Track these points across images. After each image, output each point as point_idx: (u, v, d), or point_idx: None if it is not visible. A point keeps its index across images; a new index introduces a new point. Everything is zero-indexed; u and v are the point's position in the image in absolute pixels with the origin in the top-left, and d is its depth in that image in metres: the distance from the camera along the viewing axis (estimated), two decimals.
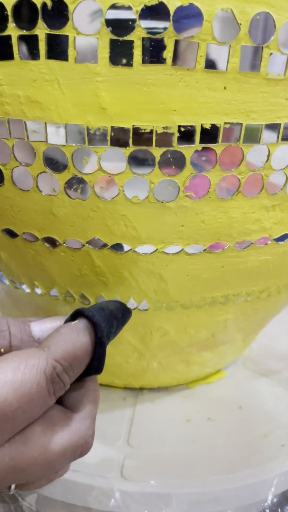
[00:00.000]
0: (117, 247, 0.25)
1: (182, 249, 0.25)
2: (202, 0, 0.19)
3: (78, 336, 0.21)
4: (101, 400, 0.34)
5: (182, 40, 0.19)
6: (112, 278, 0.26)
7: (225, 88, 0.20)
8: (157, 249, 0.25)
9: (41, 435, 0.19)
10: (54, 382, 0.19)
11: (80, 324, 0.21)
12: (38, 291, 0.28)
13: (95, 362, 0.21)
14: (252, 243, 0.26)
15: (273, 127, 0.22)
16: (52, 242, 0.25)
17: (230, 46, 0.20)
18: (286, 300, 0.33)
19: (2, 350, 0.20)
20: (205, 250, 0.25)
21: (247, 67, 0.20)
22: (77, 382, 0.21)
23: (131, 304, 0.27)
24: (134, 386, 0.36)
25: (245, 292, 0.28)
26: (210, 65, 0.20)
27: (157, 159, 0.22)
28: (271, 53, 0.20)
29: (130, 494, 0.27)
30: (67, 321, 0.22)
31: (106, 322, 0.22)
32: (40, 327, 0.22)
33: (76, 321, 0.22)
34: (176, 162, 0.22)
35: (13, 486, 0.20)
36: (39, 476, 0.20)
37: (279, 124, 0.22)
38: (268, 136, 0.22)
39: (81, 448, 0.21)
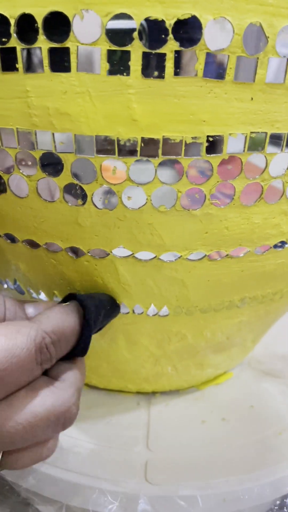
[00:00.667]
0: (142, 255, 0.25)
1: (205, 255, 0.25)
2: (233, 14, 0.19)
3: (68, 315, 0.23)
4: (115, 405, 0.34)
5: (212, 53, 0.20)
6: (134, 286, 0.26)
7: (252, 99, 0.21)
8: (181, 256, 0.25)
9: (24, 398, 0.20)
10: (42, 352, 0.21)
11: (71, 305, 0.23)
12: (57, 299, 0.28)
13: (81, 343, 0.23)
14: (271, 247, 0.26)
15: None
16: (75, 251, 0.25)
17: (258, 58, 0.20)
18: None
19: None
20: (227, 255, 0.25)
21: (273, 78, 0.21)
22: (62, 360, 0.23)
23: (151, 310, 0.28)
24: (147, 390, 0.36)
25: (261, 294, 0.29)
26: (239, 76, 0.20)
27: (185, 168, 0.22)
28: None
29: (156, 498, 0.28)
30: (59, 303, 0.24)
31: (94, 308, 0.24)
32: (34, 308, 0.24)
33: (68, 303, 0.24)
34: (203, 171, 0.22)
35: None
36: (23, 441, 0.20)
37: None
38: None
39: (64, 416, 0.21)
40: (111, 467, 0.30)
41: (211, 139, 0.22)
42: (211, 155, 0.22)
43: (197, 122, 0.21)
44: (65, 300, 0.25)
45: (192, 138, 0.21)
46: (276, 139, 0.23)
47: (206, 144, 0.22)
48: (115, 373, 0.34)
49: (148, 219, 0.23)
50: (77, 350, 0.23)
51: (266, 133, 0.22)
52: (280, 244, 0.27)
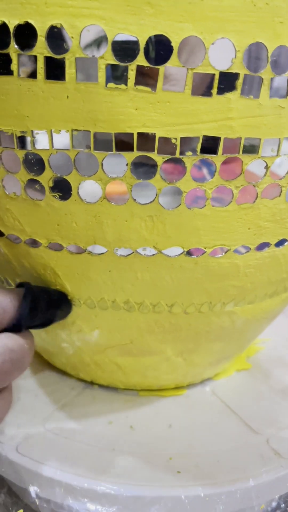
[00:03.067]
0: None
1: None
2: (36, 18, 0.21)
3: (5, 293, 0.25)
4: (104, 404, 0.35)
5: (23, 54, 0.22)
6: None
7: (68, 97, 0.22)
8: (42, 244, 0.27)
9: None
10: None
11: (12, 288, 0.26)
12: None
13: (17, 321, 0.25)
14: (133, 252, 0.26)
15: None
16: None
17: (64, 58, 0.21)
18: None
19: None
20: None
21: (84, 78, 0.22)
22: None
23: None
24: (133, 388, 0.37)
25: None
26: (50, 75, 0.22)
27: (21, 159, 0.24)
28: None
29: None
30: None
31: (36, 292, 0.26)
32: None
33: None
34: (36, 163, 0.24)
35: None
36: None
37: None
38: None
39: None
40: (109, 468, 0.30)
41: (36, 134, 0.23)
42: (40, 149, 0.23)
43: (21, 118, 0.23)
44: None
45: (21, 132, 0.23)
46: (101, 138, 0.23)
47: (32, 138, 0.23)
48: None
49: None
50: (12, 325, 0.25)
51: (89, 131, 0.22)
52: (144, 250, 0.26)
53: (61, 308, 0.29)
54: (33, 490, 0.29)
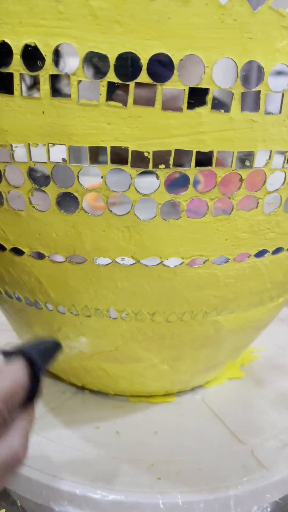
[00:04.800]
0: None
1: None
2: (11, 37, 0.22)
3: (16, 373, 0.23)
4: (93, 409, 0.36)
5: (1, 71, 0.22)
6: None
7: (43, 112, 0.23)
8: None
9: None
10: None
11: (18, 362, 0.23)
12: None
13: (34, 393, 0.24)
14: (113, 261, 0.26)
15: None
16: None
17: (39, 75, 0.22)
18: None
19: None
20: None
21: (59, 94, 0.22)
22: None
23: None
24: (123, 394, 0.38)
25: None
26: (24, 92, 0.22)
27: (2, 172, 0.25)
28: None
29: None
30: (6, 354, 0.24)
31: (41, 357, 0.25)
32: None
33: (14, 359, 0.24)
34: (18, 176, 0.25)
35: None
36: None
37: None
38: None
39: (12, 462, 0.22)
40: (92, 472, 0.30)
41: (15, 147, 0.24)
42: (20, 161, 0.24)
43: (1, 132, 0.24)
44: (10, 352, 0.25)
45: (1, 145, 0.24)
46: (76, 153, 0.23)
47: (12, 151, 0.24)
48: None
49: None
50: (29, 399, 0.24)
51: (64, 145, 0.23)
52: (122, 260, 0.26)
53: (55, 353, 0.27)
54: (15, 490, 0.30)
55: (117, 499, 0.28)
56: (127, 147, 0.23)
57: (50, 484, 0.29)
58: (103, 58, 0.21)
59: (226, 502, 0.29)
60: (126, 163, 0.23)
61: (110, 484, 0.29)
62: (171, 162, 0.23)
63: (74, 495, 0.29)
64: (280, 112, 0.23)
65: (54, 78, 0.22)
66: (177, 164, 0.23)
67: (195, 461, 0.31)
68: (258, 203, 0.26)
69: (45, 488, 0.29)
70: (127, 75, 0.21)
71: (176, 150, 0.23)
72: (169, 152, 0.23)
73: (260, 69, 0.22)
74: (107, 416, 0.36)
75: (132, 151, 0.23)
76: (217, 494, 0.29)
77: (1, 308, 0.35)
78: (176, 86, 0.22)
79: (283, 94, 0.23)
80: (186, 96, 0.22)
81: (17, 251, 0.28)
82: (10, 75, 0.22)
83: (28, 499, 0.30)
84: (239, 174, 0.24)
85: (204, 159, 0.24)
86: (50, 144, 0.23)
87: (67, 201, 0.25)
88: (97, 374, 0.35)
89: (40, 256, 0.27)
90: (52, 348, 0.27)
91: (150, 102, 0.22)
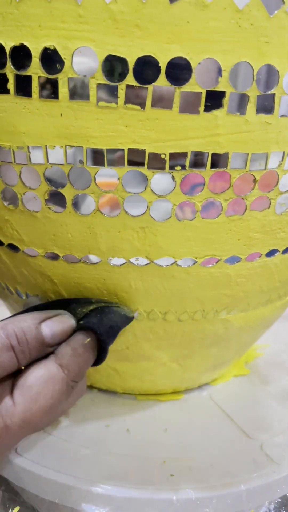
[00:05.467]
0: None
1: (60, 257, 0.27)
2: (30, 40, 0.22)
3: (89, 355, 0.26)
4: (103, 407, 0.37)
5: (18, 74, 0.23)
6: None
7: (61, 115, 0.23)
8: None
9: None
10: (69, 393, 0.26)
11: (91, 342, 0.26)
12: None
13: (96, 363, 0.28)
14: (127, 262, 0.27)
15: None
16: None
17: (58, 78, 0.22)
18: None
19: (23, 367, 0.25)
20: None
21: (77, 96, 0.23)
22: None
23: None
24: (131, 392, 0.38)
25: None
26: (44, 94, 0.23)
27: (18, 173, 0.25)
28: None
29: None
30: (78, 327, 0.27)
31: (110, 339, 0.27)
32: (51, 333, 0.25)
33: (89, 339, 0.26)
34: (33, 176, 0.25)
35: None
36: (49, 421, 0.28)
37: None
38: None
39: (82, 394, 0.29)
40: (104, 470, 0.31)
41: (32, 149, 0.24)
42: (36, 163, 0.24)
43: (18, 134, 0.24)
44: (81, 327, 0.27)
45: (18, 147, 0.24)
46: (93, 154, 0.24)
47: (29, 153, 0.24)
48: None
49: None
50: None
51: (82, 147, 0.23)
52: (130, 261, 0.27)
53: (124, 327, 0.29)
54: (28, 489, 0.30)
55: (132, 495, 0.29)
56: (144, 149, 0.23)
57: (64, 482, 0.29)
58: (122, 61, 0.22)
59: (238, 497, 0.29)
60: (143, 164, 0.24)
61: (124, 481, 0.29)
62: (187, 163, 0.24)
63: (89, 492, 0.29)
64: None
65: (73, 81, 0.22)
66: (193, 165, 0.24)
67: (206, 457, 0.32)
68: (270, 203, 0.26)
69: (58, 486, 0.29)
70: (146, 78, 0.22)
71: (192, 152, 0.23)
72: (185, 153, 0.23)
73: (276, 73, 0.23)
74: (116, 414, 0.36)
75: (149, 153, 0.23)
76: (229, 490, 0.29)
77: (11, 309, 0.36)
78: (194, 89, 0.22)
79: None
80: (203, 99, 0.22)
81: (32, 252, 0.28)
82: (29, 78, 0.22)
83: (42, 498, 0.30)
84: (252, 175, 0.25)
85: (219, 160, 0.24)
86: (67, 146, 0.24)
87: (84, 203, 0.25)
88: (107, 372, 0.35)
89: (54, 256, 0.27)
90: (122, 324, 0.29)
91: (167, 105, 0.22)
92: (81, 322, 0.27)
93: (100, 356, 0.27)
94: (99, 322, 0.27)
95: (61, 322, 0.26)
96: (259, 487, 0.30)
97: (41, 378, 0.25)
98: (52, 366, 0.25)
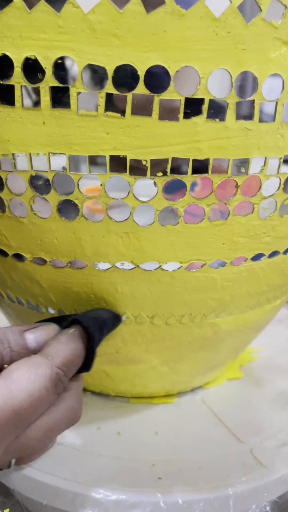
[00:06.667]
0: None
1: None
2: (12, 50, 0.22)
3: (75, 344, 0.25)
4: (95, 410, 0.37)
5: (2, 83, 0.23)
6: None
7: (44, 123, 0.23)
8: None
9: (39, 420, 0.24)
10: (57, 385, 0.24)
11: (76, 332, 0.26)
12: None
13: (86, 364, 0.26)
14: (111, 266, 0.27)
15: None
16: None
17: (39, 87, 0.23)
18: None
19: (5, 366, 0.24)
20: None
21: (59, 105, 0.23)
22: None
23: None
24: (124, 395, 0.39)
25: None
26: (25, 103, 0.23)
27: (4, 180, 0.26)
28: None
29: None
30: (64, 326, 0.26)
31: (98, 329, 0.27)
32: (35, 339, 0.26)
33: (73, 329, 0.26)
34: (19, 184, 0.25)
35: (13, 461, 0.24)
36: (43, 444, 0.25)
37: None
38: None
39: (73, 420, 0.26)
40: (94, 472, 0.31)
41: (17, 156, 0.25)
42: (21, 170, 0.25)
43: (3, 141, 0.24)
44: (67, 322, 0.27)
45: (3, 154, 0.25)
46: (76, 161, 0.24)
47: (13, 160, 0.25)
48: None
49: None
50: (82, 369, 0.26)
51: (65, 154, 0.24)
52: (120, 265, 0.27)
53: (115, 327, 0.30)
54: (19, 490, 0.30)
55: (120, 498, 0.29)
56: (126, 156, 0.24)
57: (53, 484, 0.30)
58: (102, 70, 0.22)
59: (225, 501, 0.29)
60: (125, 171, 0.24)
61: (112, 484, 0.30)
62: (168, 169, 0.24)
63: (77, 494, 0.29)
64: (274, 120, 0.24)
65: (54, 90, 0.23)
66: (174, 171, 0.24)
67: (195, 460, 0.32)
68: (253, 208, 0.26)
69: (48, 488, 0.30)
70: (125, 86, 0.22)
71: (173, 158, 0.24)
72: (166, 160, 0.24)
73: (254, 79, 0.23)
74: (108, 417, 0.36)
75: (130, 160, 0.24)
76: (216, 493, 0.29)
77: (4, 312, 0.36)
78: (173, 96, 0.22)
79: (276, 102, 0.24)
80: (182, 106, 0.22)
81: (19, 257, 0.28)
82: (11, 87, 0.23)
83: (32, 499, 0.30)
84: (234, 180, 0.25)
85: (200, 166, 0.24)
86: (50, 153, 0.24)
87: (68, 208, 0.26)
88: (99, 376, 0.35)
89: (41, 261, 0.28)
90: (110, 321, 0.29)
91: (147, 112, 0.23)
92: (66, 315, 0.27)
93: (91, 349, 0.26)
94: (83, 314, 0.27)
95: (46, 329, 0.26)
96: (248, 490, 0.30)
97: (22, 362, 0.23)
98: (35, 356, 0.24)
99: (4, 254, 0.29)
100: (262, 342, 0.43)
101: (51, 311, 0.31)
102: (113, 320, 0.29)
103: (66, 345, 0.25)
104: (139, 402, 0.38)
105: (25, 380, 0.22)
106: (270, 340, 0.46)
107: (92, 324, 0.26)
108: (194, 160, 0.24)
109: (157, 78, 0.22)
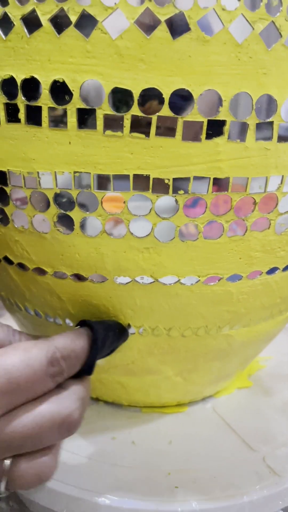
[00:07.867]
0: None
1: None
2: (40, 73, 0.23)
3: (78, 336, 0.25)
4: (109, 420, 0.37)
5: (29, 104, 0.24)
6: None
7: (70, 143, 0.24)
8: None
9: (31, 403, 0.22)
10: (53, 365, 0.23)
11: (81, 329, 0.26)
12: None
13: (88, 362, 0.25)
14: (132, 279, 0.28)
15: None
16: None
17: (66, 108, 0.23)
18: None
19: None
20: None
21: (84, 126, 0.24)
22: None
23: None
24: (137, 405, 0.39)
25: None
26: (52, 125, 0.24)
27: (28, 197, 0.26)
28: None
29: None
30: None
31: (103, 330, 0.27)
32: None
33: (78, 326, 0.27)
34: (42, 201, 0.26)
35: (2, 486, 0.22)
36: (31, 444, 0.22)
37: None
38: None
39: (68, 421, 0.23)
40: (111, 482, 0.31)
41: (42, 175, 0.25)
42: (46, 188, 0.26)
43: (28, 160, 0.25)
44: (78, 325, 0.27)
45: (28, 173, 0.26)
46: (100, 180, 0.25)
47: (38, 178, 0.25)
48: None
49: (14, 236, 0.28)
50: (84, 368, 0.25)
51: (90, 173, 0.25)
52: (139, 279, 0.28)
53: (122, 339, 0.30)
54: (37, 501, 0.31)
55: (138, 507, 0.29)
56: (149, 175, 0.24)
57: (70, 494, 0.30)
58: (128, 93, 0.23)
59: (241, 509, 0.30)
60: (148, 189, 0.25)
61: (129, 493, 0.30)
62: (189, 188, 0.25)
63: (95, 504, 0.30)
64: None
65: (80, 111, 0.23)
66: (195, 189, 0.25)
67: (210, 469, 0.33)
68: (270, 224, 0.27)
69: (65, 497, 0.30)
70: (150, 108, 0.23)
71: (194, 177, 0.25)
72: (188, 179, 0.25)
73: (274, 102, 0.24)
74: (122, 427, 0.37)
75: (153, 178, 0.24)
76: (232, 501, 0.30)
77: (19, 324, 0.37)
78: (196, 118, 0.23)
79: None
80: (205, 128, 0.23)
81: (40, 271, 0.29)
82: (39, 108, 0.24)
83: (49, 509, 0.31)
84: (253, 197, 0.26)
85: (220, 185, 0.25)
86: (75, 172, 0.25)
87: (91, 225, 0.26)
88: (113, 386, 0.36)
89: (62, 275, 0.29)
90: (117, 329, 0.29)
91: (171, 133, 0.23)
92: None
93: (94, 349, 0.25)
94: (93, 321, 0.27)
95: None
96: (262, 498, 0.30)
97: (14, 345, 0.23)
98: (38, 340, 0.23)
99: (25, 268, 0.29)
100: (269, 351, 0.44)
101: (69, 323, 0.31)
102: (119, 327, 0.30)
103: (69, 334, 0.24)
104: (151, 412, 0.39)
105: (23, 350, 0.22)
106: (277, 349, 0.46)
107: (96, 324, 0.27)
108: (214, 179, 0.25)
109: (181, 101, 0.23)
